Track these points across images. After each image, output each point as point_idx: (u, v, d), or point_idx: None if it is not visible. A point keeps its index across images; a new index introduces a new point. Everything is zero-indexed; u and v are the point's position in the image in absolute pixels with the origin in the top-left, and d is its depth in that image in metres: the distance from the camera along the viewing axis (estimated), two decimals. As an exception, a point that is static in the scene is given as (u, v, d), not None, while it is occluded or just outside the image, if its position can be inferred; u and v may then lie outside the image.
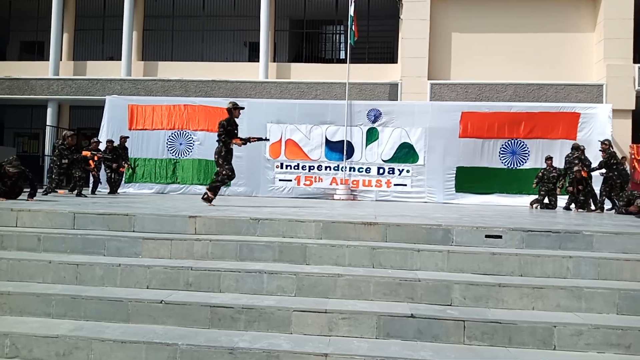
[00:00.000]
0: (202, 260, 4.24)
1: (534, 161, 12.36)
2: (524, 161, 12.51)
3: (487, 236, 4.24)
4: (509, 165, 12.54)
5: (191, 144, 13.15)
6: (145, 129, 13.27)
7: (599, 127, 12.38)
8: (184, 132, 13.27)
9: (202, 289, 3.86)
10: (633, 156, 13.23)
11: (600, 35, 14.65)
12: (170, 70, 16.48)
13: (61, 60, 16.90)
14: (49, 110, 16.63)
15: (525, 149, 12.51)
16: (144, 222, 4.78)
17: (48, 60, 16.69)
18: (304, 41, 19.05)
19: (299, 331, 3.39)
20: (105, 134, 12.98)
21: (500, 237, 4.24)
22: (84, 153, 10.35)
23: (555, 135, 12.47)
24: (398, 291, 3.68)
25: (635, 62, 14.44)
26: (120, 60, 16.29)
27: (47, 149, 16.41)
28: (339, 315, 3.40)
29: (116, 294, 3.72)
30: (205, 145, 12.91)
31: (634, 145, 13.42)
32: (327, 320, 3.40)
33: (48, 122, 16.55)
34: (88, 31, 18.03)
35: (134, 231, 4.72)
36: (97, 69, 16.79)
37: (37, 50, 19.05)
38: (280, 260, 4.17)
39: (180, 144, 13.22)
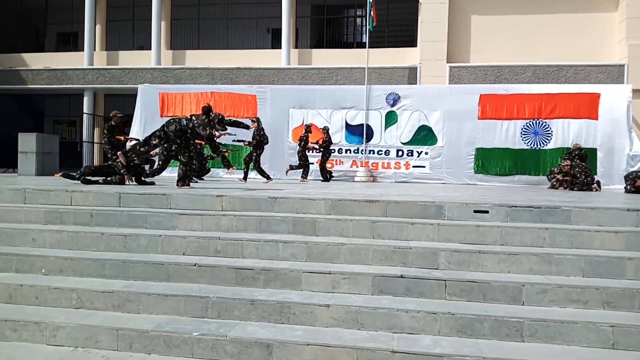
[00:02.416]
0: (228, 232, 4.96)
1: (558, 141, 12.42)
2: (547, 141, 12.55)
3: (475, 211, 4.80)
4: (531, 145, 12.60)
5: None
6: (176, 116, 14.05)
7: (619, 107, 12.44)
8: (212, 118, 13.97)
9: (228, 255, 4.59)
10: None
11: (623, 15, 14.55)
12: (197, 58, 17.23)
13: (95, 50, 17.87)
14: (85, 99, 17.70)
15: (548, 129, 12.56)
16: (178, 200, 5.53)
17: (83, 50, 17.70)
18: (325, 26, 19.45)
19: (308, 288, 4.08)
20: (139, 121, 13.89)
21: (487, 212, 4.79)
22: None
23: (577, 116, 12.45)
24: (392, 257, 4.31)
25: (657, 41, 14.33)
26: (150, 49, 17.13)
27: (85, 135, 17.54)
28: (340, 276, 4.07)
29: (158, 259, 4.47)
30: (231, 131, 13.64)
31: (653, 125, 13.45)
32: (330, 280, 4.07)
33: (85, 110, 17.64)
34: (119, 22, 18.94)
35: (170, 208, 5.48)
36: (129, 59, 17.70)
37: (72, 41, 20.11)
38: (294, 232, 4.86)
39: (208, 129, 13.94)
